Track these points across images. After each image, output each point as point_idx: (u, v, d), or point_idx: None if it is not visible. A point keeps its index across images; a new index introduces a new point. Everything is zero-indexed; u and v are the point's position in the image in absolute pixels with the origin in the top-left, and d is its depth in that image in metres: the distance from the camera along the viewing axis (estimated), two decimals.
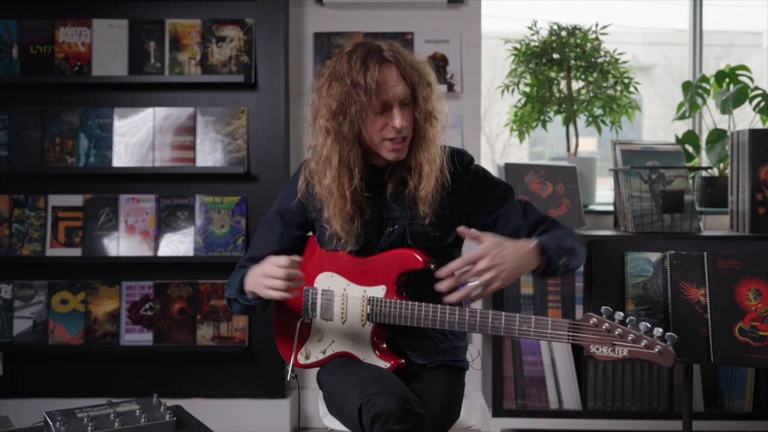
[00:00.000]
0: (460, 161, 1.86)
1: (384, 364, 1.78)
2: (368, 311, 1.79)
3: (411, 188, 1.80)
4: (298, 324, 1.87)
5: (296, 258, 1.75)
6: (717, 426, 2.89)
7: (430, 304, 1.73)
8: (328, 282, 1.86)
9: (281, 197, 1.97)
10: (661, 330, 1.53)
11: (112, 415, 1.74)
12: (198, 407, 2.36)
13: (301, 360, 1.90)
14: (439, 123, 1.80)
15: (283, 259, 1.73)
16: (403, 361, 1.80)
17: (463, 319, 1.69)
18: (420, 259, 1.76)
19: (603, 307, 1.57)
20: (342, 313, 1.83)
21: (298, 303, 1.90)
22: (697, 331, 2.00)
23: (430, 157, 1.78)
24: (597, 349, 1.55)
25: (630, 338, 1.52)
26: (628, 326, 1.54)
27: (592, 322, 1.56)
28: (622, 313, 1.55)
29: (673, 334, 1.53)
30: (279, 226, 1.94)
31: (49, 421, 1.74)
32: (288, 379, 1.90)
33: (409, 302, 1.74)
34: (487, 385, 3.00)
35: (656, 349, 1.51)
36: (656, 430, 2.89)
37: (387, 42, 1.80)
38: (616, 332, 1.54)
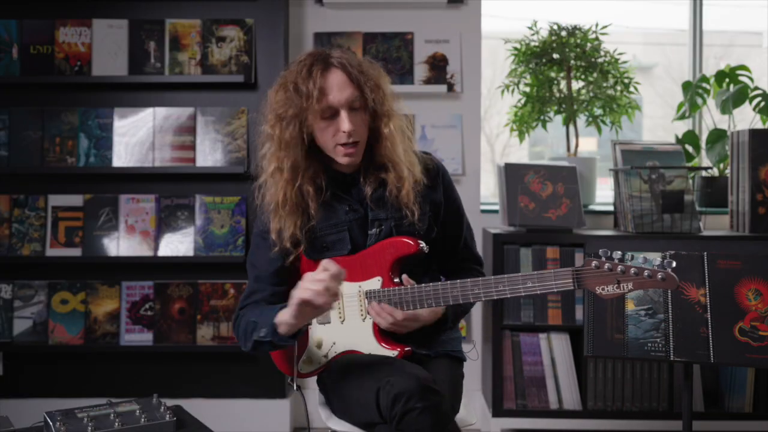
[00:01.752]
0: (430, 161, 1.90)
1: (391, 353, 1.78)
2: (367, 305, 1.79)
3: (391, 189, 1.81)
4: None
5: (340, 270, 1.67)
6: (717, 426, 2.89)
7: (429, 284, 1.74)
8: None
9: (257, 222, 1.92)
10: (659, 258, 1.59)
11: (112, 415, 1.74)
12: (198, 407, 2.36)
13: (304, 369, 1.88)
14: (393, 122, 1.81)
15: (325, 274, 1.64)
16: (409, 348, 1.80)
17: (467, 291, 1.71)
18: (411, 243, 1.78)
19: (600, 250, 1.61)
20: (340, 313, 1.83)
21: None
22: (697, 331, 2.00)
23: (400, 153, 1.80)
24: (603, 289, 1.61)
25: (632, 272, 1.58)
26: (627, 262, 1.59)
27: (593, 265, 1.61)
28: (619, 252, 1.61)
29: (671, 260, 1.59)
30: (271, 243, 1.86)
31: (49, 421, 1.74)
32: (294, 389, 1.88)
33: (407, 287, 1.75)
34: (487, 385, 3.00)
35: (659, 277, 1.57)
36: (656, 430, 2.89)
37: (340, 49, 1.82)
38: (618, 269, 1.59)
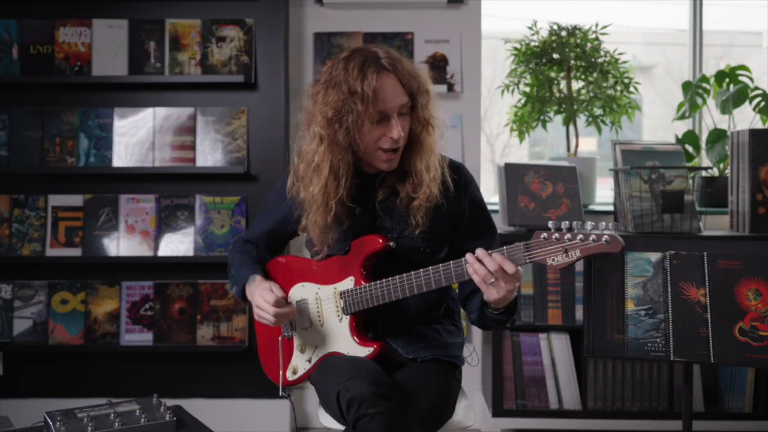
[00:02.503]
0: (459, 176, 1.85)
1: (366, 351, 1.79)
2: (342, 305, 1.80)
3: (403, 198, 1.79)
4: (280, 340, 1.89)
5: (280, 294, 1.78)
6: (717, 426, 2.89)
7: (396, 276, 1.73)
8: (300, 292, 1.88)
9: (271, 196, 2.01)
10: (603, 223, 1.60)
11: (112, 415, 1.74)
12: (198, 407, 2.36)
13: (291, 377, 1.90)
14: (436, 131, 1.79)
15: (270, 298, 1.76)
16: (383, 343, 1.80)
17: (429, 277, 1.70)
18: (379, 240, 1.77)
19: (549, 222, 1.62)
20: (319, 316, 1.85)
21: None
22: (697, 331, 2.00)
23: (429, 165, 1.77)
24: (553, 259, 1.61)
25: (579, 238, 1.59)
26: (575, 230, 1.60)
27: (542, 237, 1.62)
28: (567, 222, 1.61)
29: (615, 222, 1.58)
30: (275, 211, 1.98)
31: (49, 421, 1.74)
32: (284, 395, 1.91)
33: (376, 282, 1.75)
34: (487, 385, 3.00)
35: (604, 240, 1.57)
36: (656, 430, 2.89)
37: (383, 48, 1.78)
38: (566, 238, 1.59)
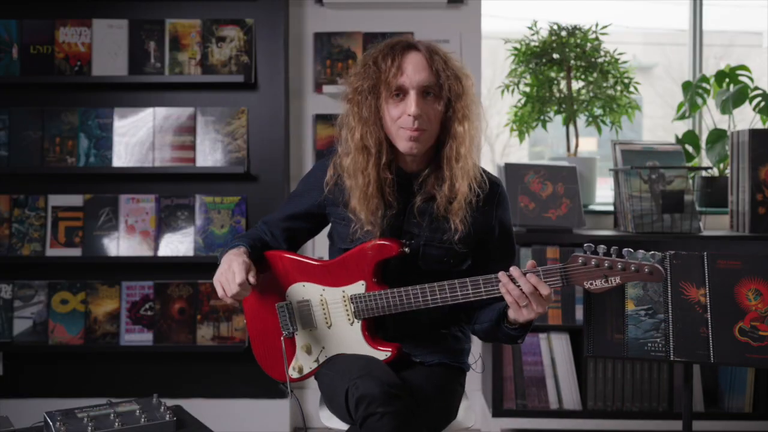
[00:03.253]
0: (494, 191, 1.83)
1: (382, 355, 1.76)
2: (353, 309, 1.77)
3: (440, 203, 1.76)
4: (282, 340, 1.84)
5: (252, 279, 1.73)
6: (717, 426, 2.89)
7: (416, 286, 1.71)
8: (300, 292, 1.83)
9: (300, 184, 1.95)
10: (641, 252, 1.60)
11: (112, 415, 1.74)
12: (198, 407, 2.36)
13: (294, 375, 1.87)
14: (469, 123, 1.74)
15: (240, 276, 1.71)
16: (399, 346, 1.78)
17: (455, 291, 1.68)
18: (392, 244, 1.74)
19: (585, 245, 1.61)
20: (325, 318, 1.81)
21: (273, 322, 1.87)
22: (697, 331, 2.00)
23: (463, 162, 1.74)
24: (591, 284, 1.61)
25: (619, 267, 1.59)
26: (614, 256, 1.60)
27: (580, 260, 1.61)
28: (604, 246, 1.61)
29: (657, 252, 1.60)
30: (306, 203, 1.91)
31: (49, 421, 1.74)
32: (288, 395, 1.87)
33: (393, 290, 1.73)
34: (487, 385, 3.00)
35: (646, 270, 1.57)
36: (656, 430, 2.89)
37: (428, 41, 1.77)
38: (605, 265, 1.59)
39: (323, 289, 1.81)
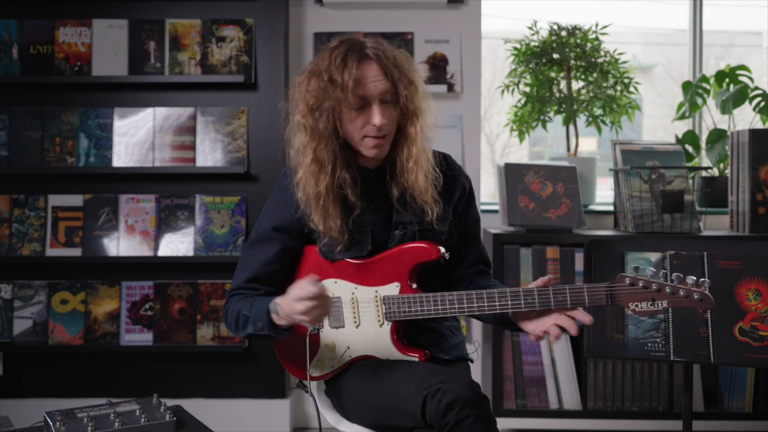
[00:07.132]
0: (450, 165, 1.88)
1: (412, 359, 1.75)
2: (384, 311, 1.75)
3: (411, 190, 1.78)
4: (307, 336, 1.78)
5: (315, 277, 1.62)
6: (717, 426, 2.89)
7: (453, 293, 1.70)
8: (332, 289, 1.79)
9: (271, 213, 1.86)
10: (693, 278, 1.58)
11: (112, 415, 1.74)
12: (198, 407, 2.37)
13: (315, 373, 1.83)
14: (420, 122, 1.77)
15: (311, 288, 1.59)
16: (428, 352, 1.77)
17: (493, 301, 1.67)
18: (432, 249, 1.75)
19: (633, 266, 1.62)
20: (354, 317, 1.78)
21: None
22: (697, 331, 2.00)
23: (411, 156, 1.76)
24: (636, 306, 1.61)
25: (668, 291, 1.58)
26: (660, 279, 1.59)
27: (627, 281, 1.60)
28: (652, 269, 1.60)
29: (706, 279, 1.59)
30: (278, 244, 1.82)
31: (49, 421, 1.74)
32: (308, 393, 1.81)
33: (429, 294, 1.71)
34: (487, 385, 3.00)
35: (695, 297, 1.56)
36: (656, 430, 2.89)
37: (373, 38, 1.77)
38: (653, 287, 1.59)
39: (355, 287, 1.78)
